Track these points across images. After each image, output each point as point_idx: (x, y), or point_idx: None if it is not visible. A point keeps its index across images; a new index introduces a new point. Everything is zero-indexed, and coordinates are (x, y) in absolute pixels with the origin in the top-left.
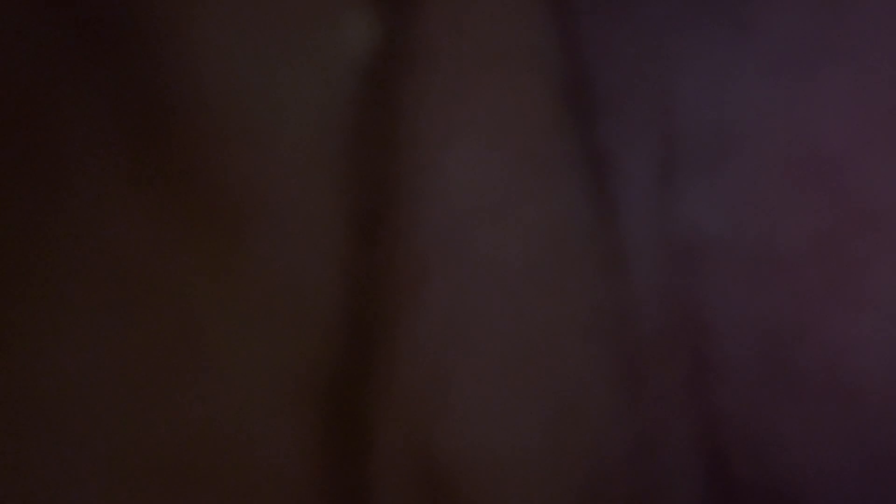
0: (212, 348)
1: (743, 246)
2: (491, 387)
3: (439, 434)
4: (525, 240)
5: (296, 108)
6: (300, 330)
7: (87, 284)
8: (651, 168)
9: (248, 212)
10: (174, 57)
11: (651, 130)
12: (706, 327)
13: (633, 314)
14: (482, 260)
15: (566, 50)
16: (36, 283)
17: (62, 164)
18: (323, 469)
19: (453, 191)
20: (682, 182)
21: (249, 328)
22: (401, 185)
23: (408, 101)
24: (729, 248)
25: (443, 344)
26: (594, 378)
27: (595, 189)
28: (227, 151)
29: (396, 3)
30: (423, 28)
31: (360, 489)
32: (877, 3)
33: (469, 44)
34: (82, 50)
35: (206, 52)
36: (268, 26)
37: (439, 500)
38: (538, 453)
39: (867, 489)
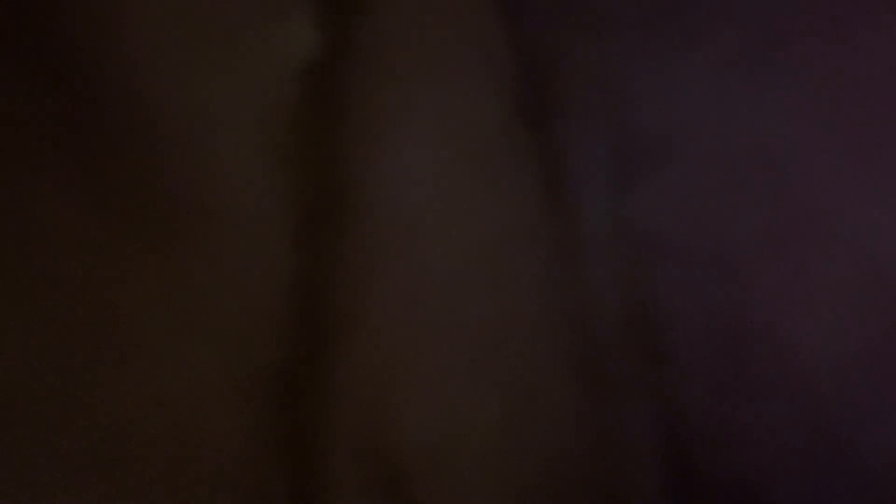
0: (150, 342)
1: (696, 244)
2: (445, 382)
3: (393, 429)
4: (474, 238)
5: (235, 110)
6: (242, 326)
7: (19, 282)
8: (605, 168)
9: (190, 211)
10: (110, 62)
11: (604, 131)
12: (662, 323)
13: (590, 311)
14: (431, 257)
15: (518, 53)
16: None
17: None
18: (269, 460)
19: (400, 190)
20: (635, 182)
21: (190, 324)
22: (345, 184)
23: (349, 103)
24: (683, 246)
25: (394, 340)
26: (549, 374)
27: (547, 188)
28: (165, 153)
29: (338, 9)
30: (365, 32)
31: (312, 482)
32: (819, 12)
33: (417, 47)
34: (16, 55)
35: (141, 54)
36: (205, 32)
37: (394, 494)
38: (493, 447)
39: (822, 478)
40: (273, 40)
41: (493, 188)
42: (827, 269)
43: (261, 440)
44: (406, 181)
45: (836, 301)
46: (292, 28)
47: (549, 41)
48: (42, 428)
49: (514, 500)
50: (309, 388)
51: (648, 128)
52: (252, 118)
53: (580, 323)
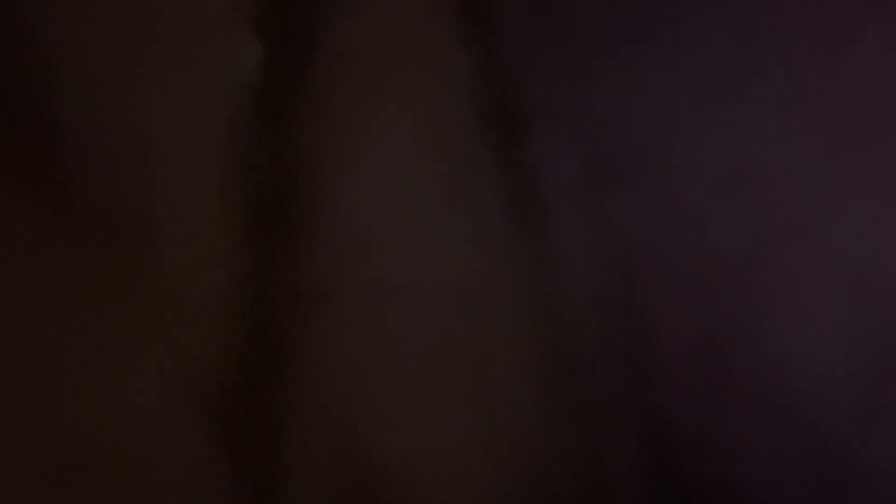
0: (99, 353)
1: (677, 255)
2: (415, 395)
3: (356, 443)
4: (439, 252)
5: (184, 124)
6: (194, 340)
7: None
8: (584, 180)
9: (140, 224)
10: (61, 75)
11: (579, 143)
12: (643, 333)
13: (570, 321)
14: (394, 271)
15: (490, 69)
16: None
17: None
18: (225, 470)
19: (360, 204)
20: (615, 194)
21: (141, 335)
22: (301, 201)
23: (302, 122)
24: (664, 256)
25: (354, 353)
26: (524, 386)
27: (519, 202)
28: (114, 166)
29: (287, 25)
30: (318, 52)
31: (272, 493)
32: (801, 26)
33: (376, 62)
34: None
35: (91, 68)
36: (154, 47)
37: (357, 497)
38: (465, 460)
39: (802, 483)
40: (221, 56)
41: (459, 202)
42: (811, 279)
43: (214, 452)
44: (365, 193)
45: (821, 310)
46: (240, 43)
47: (522, 54)
48: (12, 441)
49: None
50: (266, 402)
51: (624, 139)
52: (201, 133)
53: (557, 334)
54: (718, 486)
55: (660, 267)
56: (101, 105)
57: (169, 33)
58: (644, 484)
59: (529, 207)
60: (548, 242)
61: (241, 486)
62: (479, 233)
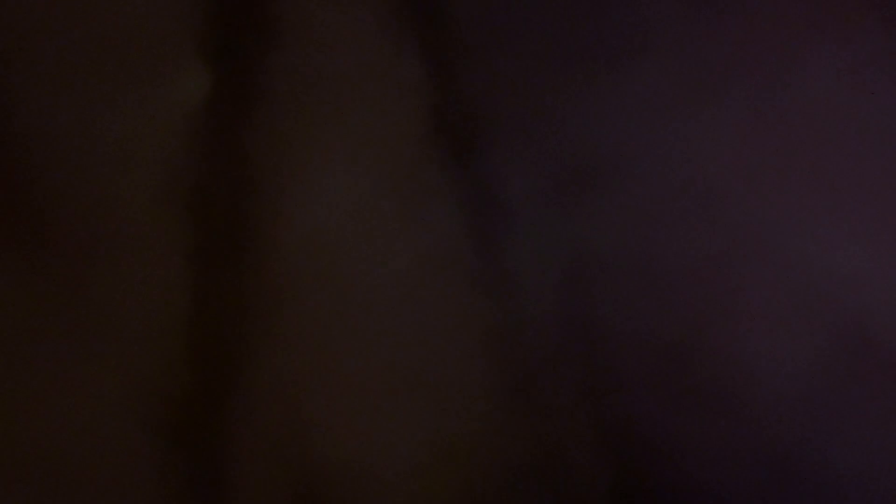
0: (50, 369)
1: (633, 265)
2: (365, 403)
3: (307, 450)
4: (394, 263)
5: (132, 149)
6: (143, 355)
7: None
8: (542, 194)
9: (91, 246)
10: (11, 101)
11: (542, 158)
12: (601, 340)
13: (527, 330)
14: (348, 283)
15: (447, 85)
16: None
17: None
18: (173, 481)
19: (308, 218)
20: (573, 207)
21: (87, 353)
22: (249, 219)
23: (250, 142)
24: (620, 267)
25: (308, 365)
26: (480, 392)
27: (478, 215)
28: (63, 190)
29: (235, 53)
30: (266, 74)
31: (217, 493)
32: (751, 50)
33: (329, 83)
34: None
35: (40, 96)
36: (102, 75)
37: None
38: (418, 461)
39: (756, 483)
40: (169, 82)
41: (413, 215)
42: (762, 288)
43: (163, 464)
44: (314, 209)
45: (772, 317)
46: (188, 69)
47: (479, 70)
48: None
49: None
50: (213, 415)
51: (582, 154)
52: (149, 155)
53: (514, 341)
54: (674, 488)
55: (616, 276)
56: (50, 129)
57: (118, 61)
58: (601, 486)
59: (486, 219)
60: (504, 253)
61: (190, 497)
62: (433, 244)
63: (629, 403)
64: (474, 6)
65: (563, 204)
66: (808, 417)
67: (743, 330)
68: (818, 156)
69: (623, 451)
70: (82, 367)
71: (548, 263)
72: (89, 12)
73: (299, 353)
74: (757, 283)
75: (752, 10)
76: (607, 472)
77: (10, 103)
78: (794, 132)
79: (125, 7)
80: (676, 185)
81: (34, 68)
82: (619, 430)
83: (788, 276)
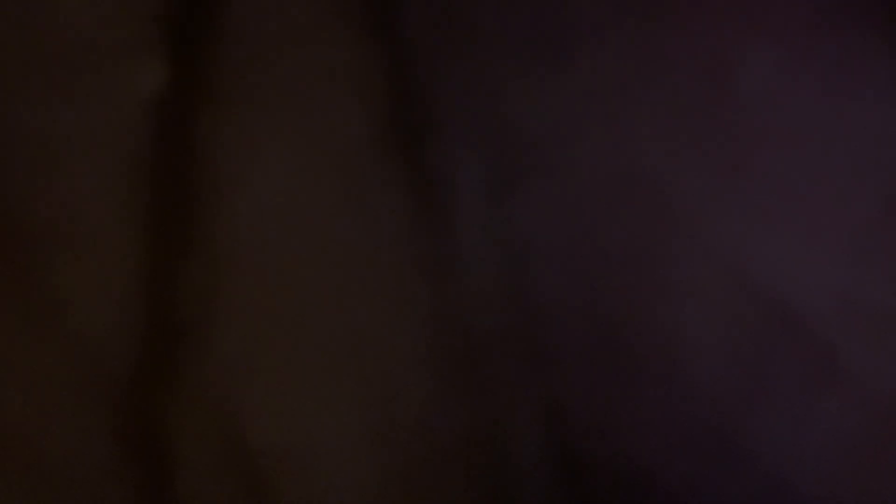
0: None
1: (571, 250)
2: (305, 384)
3: (253, 432)
4: (337, 249)
5: (86, 141)
6: (89, 335)
7: None
8: (484, 180)
9: (40, 231)
10: None
11: (483, 146)
12: (541, 321)
13: (470, 312)
14: (290, 268)
15: (393, 73)
16: None
17: None
18: (115, 464)
19: (256, 206)
20: (513, 194)
21: (35, 333)
22: (197, 206)
23: (201, 130)
24: (559, 251)
25: (249, 347)
26: (419, 372)
27: (424, 201)
28: (11, 179)
29: (188, 42)
30: (216, 62)
31: (161, 482)
32: (689, 43)
33: (277, 72)
34: None
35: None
36: (55, 68)
37: (249, 491)
38: (358, 443)
39: (692, 458)
40: (125, 77)
41: (357, 203)
42: (691, 270)
43: (108, 442)
44: (261, 200)
45: (701, 298)
46: (143, 65)
47: (423, 59)
48: None
49: (380, 498)
50: (161, 394)
51: (522, 144)
52: (102, 146)
53: (456, 328)
54: (613, 464)
55: (555, 261)
56: (4, 120)
57: (73, 55)
58: (542, 464)
59: (430, 206)
60: (448, 238)
61: (137, 480)
62: (377, 229)
63: (568, 380)
64: (424, 7)
65: (505, 191)
66: (737, 391)
67: (675, 309)
68: (749, 147)
69: (561, 427)
70: (30, 347)
71: (490, 248)
72: (46, 6)
73: (244, 337)
74: (688, 265)
75: (690, 8)
76: (547, 447)
77: None
78: (727, 124)
79: (87, 6)
80: (614, 172)
81: None
82: (558, 405)
83: (718, 258)
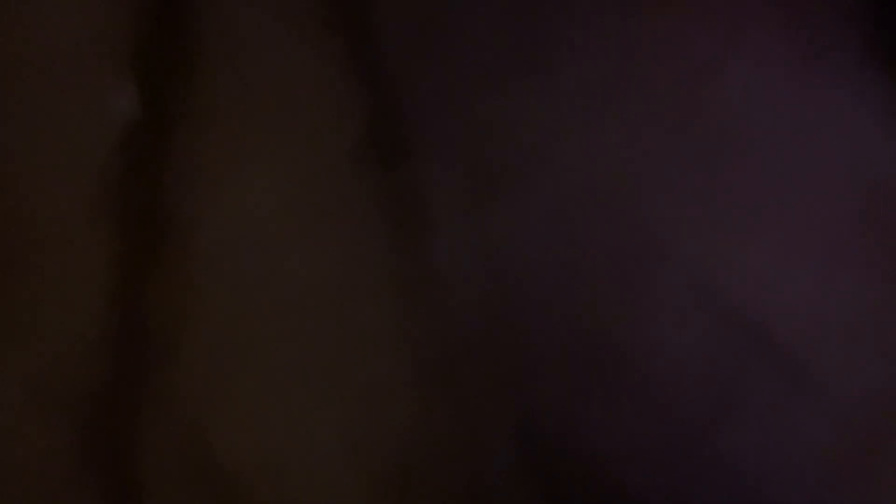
0: None
1: (548, 263)
2: (277, 399)
3: (217, 444)
4: (313, 264)
5: (57, 169)
6: (59, 347)
7: None
8: (461, 195)
9: (14, 247)
10: None
11: (460, 161)
12: (518, 333)
13: (446, 326)
14: (263, 284)
15: (370, 89)
16: None
17: None
18: (82, 477)
19: (230, 222)
20: (493, 207)
21: (2, 347)
22: (171, 223)
23: (175, 148)
24: (536, 265)
25: (220, 362)
26: (396, 387)
27: (400, 216)
28: None
29: (160, 63)
30: (192, 82)
31: (129, 497)
32: (666, 58)
33: (252, 90)
34: None
35: None
36: (26, 95)
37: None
38: (334, 455)
39: (664, 470)
40: (96, 95)
41: (335, 220)
42: (664, 285)
43: (76, 455)
44: (235, 215)
45: (674, 313)
46: (113, 83)
47: (399, 75)
48: None
49: None
50: (132, 409)
51: (501, 158)
52: (77, 169)
53: (433, 341)
54: (589, 477)
55: (532, 274)
56: None
57: (48, 74)
58: (518, 477)
59: (408, 222)
60: (425, 254)
61: (105, 494)
62: (355, 246)
63: (544, 393)
64: (401, 22)
65: (483, 205)
66: (709, 405)
67: (650, 322)
68: (723, 161)
69: (539, 438)
70: (2, 361)
71: (467, 262)
72: (21, 29)
73: (215, 352)
74: (663, 279)
75: (666, 22)
76: (523, 459)
77: None
78: (702, 138)
79: (60, 27)
80: (590, 186)
81: None
82: (535, 418)
83: (693, 272)
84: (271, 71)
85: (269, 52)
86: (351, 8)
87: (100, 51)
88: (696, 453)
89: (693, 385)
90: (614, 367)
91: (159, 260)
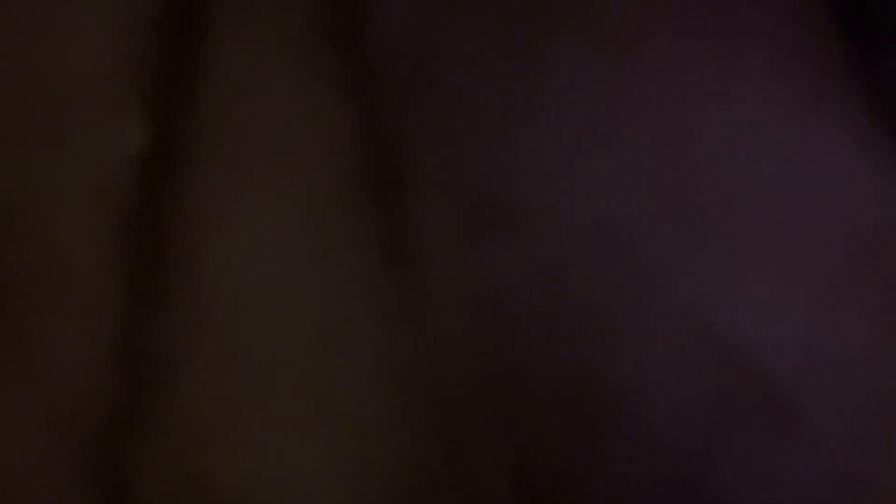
0: None
1: (542, 300)
2: (275, 433)
3: (217, 478)
4: (310, 300)
5: (68, 203)
6: (62, 384)
7: None
8: (454, 232)
9: (22, 287)
10: None
11: (454, 198)
12: (513, 372)
13: (439, 362)
14: (263, 319)
15: (365, 126)
16: None
17: None
18: (84, 502)
19: (231, 258)
20: (486, 244)
21: (8, 381)
22: (174, 258)
23: (179, 185)
24: (529, 301)
25: (221, 397)
26: (390, 422)
27: (394, 253)
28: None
29: (166, 102)
30: (195, 120)
31: None
32: (656, 102)
33: (253, 128)
34: None
35: None
36: (35, 129)
37: None
38: (326, 492)
39: None
40: (109, 132)
41: (331, 255)
42: (656, 323)
43: (78, 489)
44: (236, 252)
45: (666, 351)
46: (126, 120)
47: (394, 112)
48: None
49: None
50: (128, 442)
51: (496, 196)
52: (87, 201)
53: (427, 377)
54: None
55: (524, 312)
56: None
57: (57, 112)
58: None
59: (401, 259)
60: (419, 291)
61: None
62: (351, 279)
63: (536, 430)
64: (396, 59)
65: (477, 240)
66: (700, 442)
67: (642, 360)
68: (714, 202)
69: (530, 474)
70: (3, 393)
71: (461, 299)
72: (31, 67)
73: (216, 387)
74: (656, 317)
75: (657, 67)
76: (515, 496)
77: None
78: (693, 180)
79: (73, 64)
80: (583, 224)
81: None
82: (526, 455)
83: (685, 311)
84: (270, 110)
85: (269, 92)
86: (349, 47)
87: (110, 86)
88: (686, 489)
89: (684, 422)
90: (606, 403)
91: (163, 297)
